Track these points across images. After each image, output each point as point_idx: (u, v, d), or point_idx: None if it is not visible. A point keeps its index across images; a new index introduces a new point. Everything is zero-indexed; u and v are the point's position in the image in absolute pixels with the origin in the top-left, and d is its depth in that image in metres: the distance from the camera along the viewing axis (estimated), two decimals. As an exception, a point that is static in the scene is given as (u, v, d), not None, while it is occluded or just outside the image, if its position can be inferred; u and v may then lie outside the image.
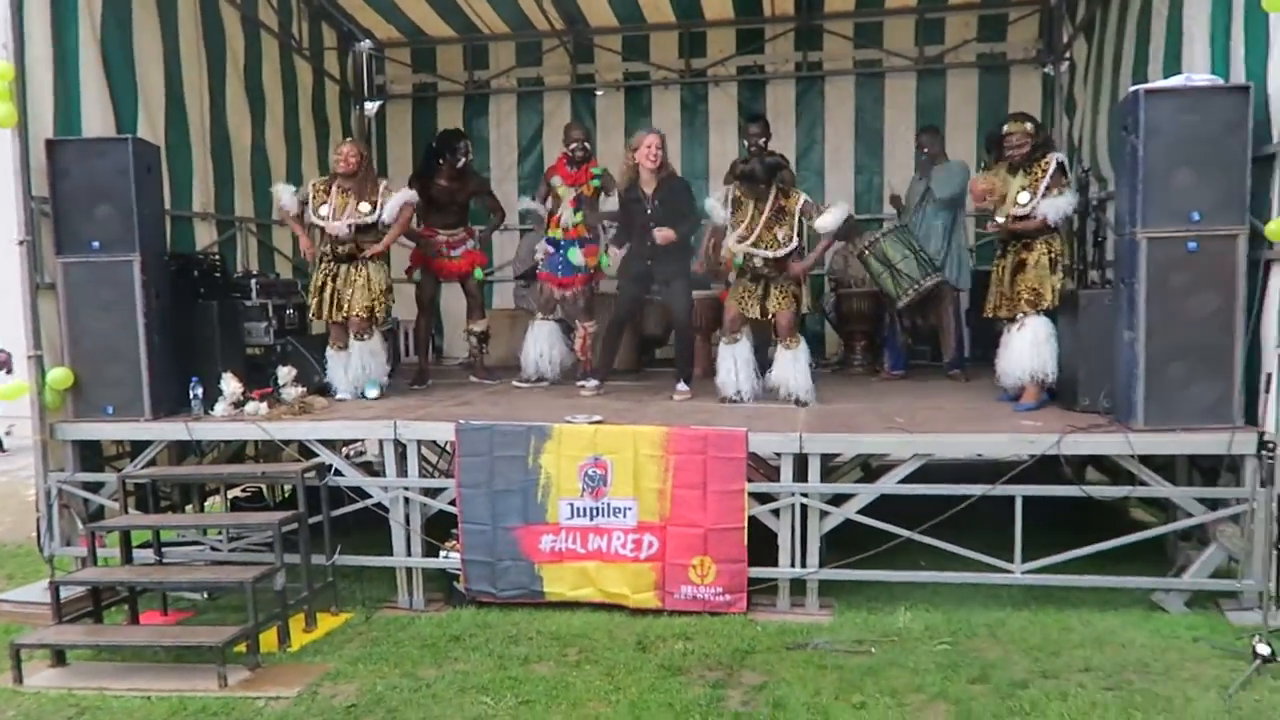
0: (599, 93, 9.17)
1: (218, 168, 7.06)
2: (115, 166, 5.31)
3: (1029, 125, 5.52)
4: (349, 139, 6.88)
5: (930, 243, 6.70)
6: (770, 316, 5.81)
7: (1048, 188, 5.37)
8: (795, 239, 5.70)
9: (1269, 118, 4.43)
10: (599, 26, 8.81)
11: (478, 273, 7.13)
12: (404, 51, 9.35)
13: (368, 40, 9.24)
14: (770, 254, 5.68)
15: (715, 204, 5.94)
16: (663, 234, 5.97)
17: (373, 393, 6.14)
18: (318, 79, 8.55)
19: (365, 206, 6.05)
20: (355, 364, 6.15)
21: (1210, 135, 4.44)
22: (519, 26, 8.77)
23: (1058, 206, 5.35)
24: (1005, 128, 5.58)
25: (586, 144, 6.83)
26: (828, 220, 5.65)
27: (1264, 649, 3.90)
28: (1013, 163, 5.54)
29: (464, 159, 6.93)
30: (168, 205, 6.10)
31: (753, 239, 5.69)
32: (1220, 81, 4.64)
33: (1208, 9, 5.02)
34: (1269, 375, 4.37)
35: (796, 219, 5.70)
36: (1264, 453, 4.23)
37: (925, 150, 7.06)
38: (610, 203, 6.82)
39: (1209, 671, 3.95)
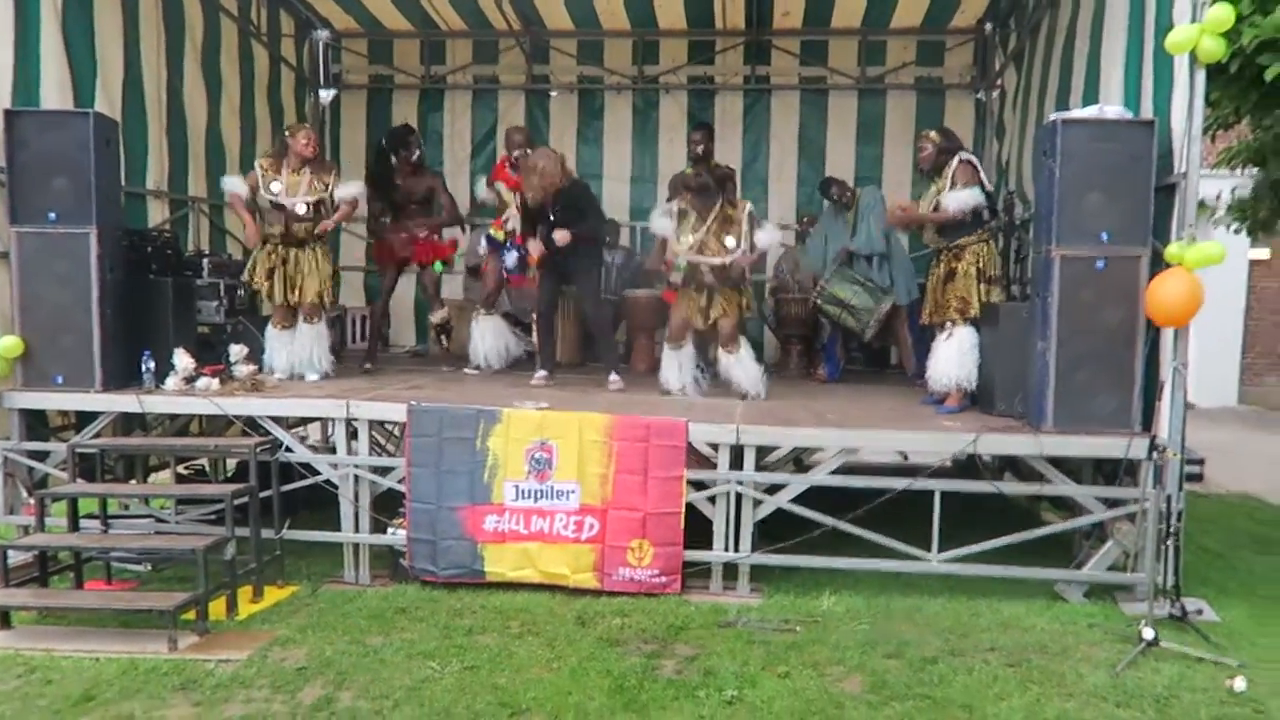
0: (553, 94, 9.38)
1: (173, 147, 7.11)
2: (75, 139, 5.36)
3: (933, 134, 5.92)
4: (305, 124, 6.97)
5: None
6: (712, 323, 6.11)
7: (952, 182, 5.73)
8: (741, 245, 5.99)
9: (1172, 151, 4.84)
10: (555, 29, 9.04)
11: (437, 265, 7.28)
12: (361, 43, 9.45)
13: (325, 29, 9.31)
14: (719, 260, 5.95)
15: (661, 219, 6.18)
16: (560, 235, 6.26)
17: (312, 377, 6.25)
18: (274, 65, 8.61)
19: (319, 185, 6.17)
20: (301, 347, 6.26)
21: (1119, 164, 4.82)
22: (477, 25, 8.94)
23: (960, 199, 5.66)
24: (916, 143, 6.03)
25: (527, 149, 6.98)
26: (762, 237, 6.04)
27: (1149, 633, 4.28)
28: (925, 172, 5.96)
29: (417, 152, 7.08)
30: (123, 181, 6.14)
31: (700, 247, 5.97)
32: (1129, 115, 5.05)
33: (1123, 47, 5.43)
34: (1162, 385, 4.77)
35: (744, 226, 6.00)
36: (1155, 456, 4.62)
37: (837, 198, 7.39)
38: None
39: (1100, 653, 4.32)
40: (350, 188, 6.34)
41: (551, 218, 6.33)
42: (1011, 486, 5.53)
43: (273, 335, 6.31)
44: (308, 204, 6.12)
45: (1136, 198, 4.84)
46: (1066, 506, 5.72)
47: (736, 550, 5.10)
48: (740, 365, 6.07)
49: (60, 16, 5.86)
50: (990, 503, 5.28)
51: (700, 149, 7.33)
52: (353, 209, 6.45)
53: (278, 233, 6.18)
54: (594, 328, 6.75)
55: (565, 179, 6.36)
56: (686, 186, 6.11)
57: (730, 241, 5.96)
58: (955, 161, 5.79)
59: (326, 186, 6.21)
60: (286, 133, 6.36)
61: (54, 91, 5.80)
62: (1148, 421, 4.92)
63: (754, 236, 6.00)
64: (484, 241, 7.13)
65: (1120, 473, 4.97)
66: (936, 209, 5.78)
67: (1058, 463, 5.10)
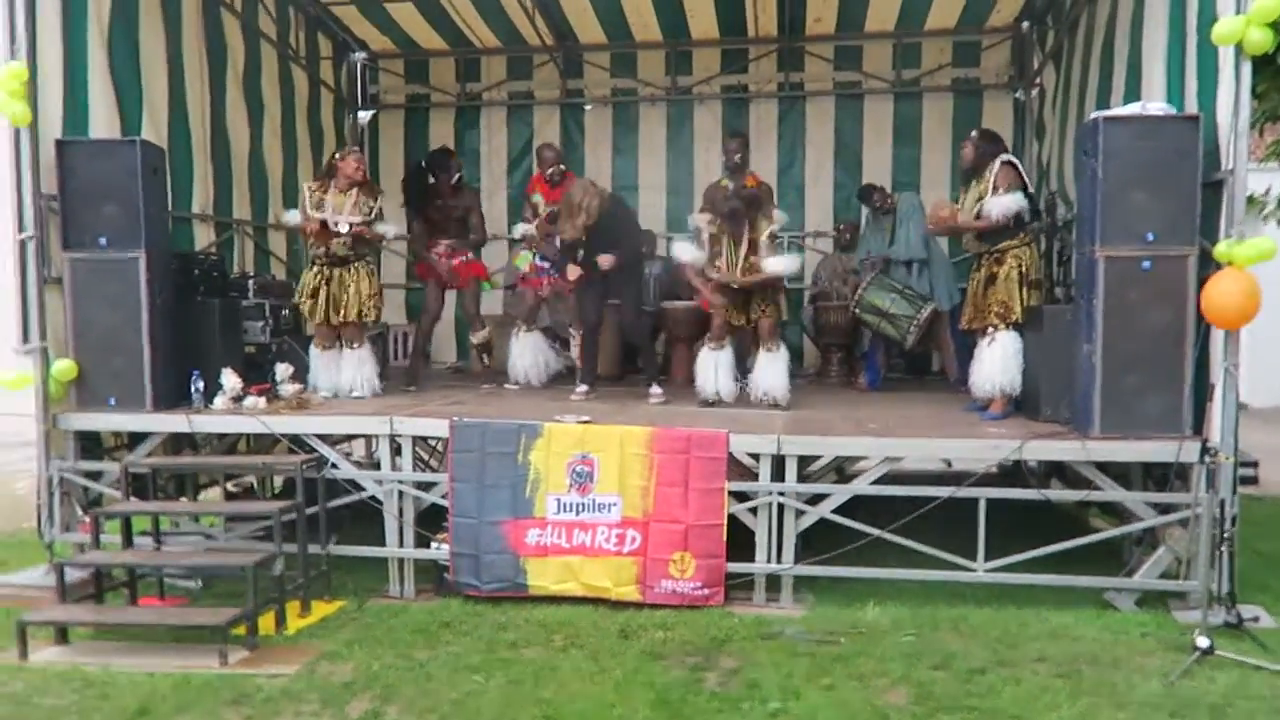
0: (587, 107, 9.46)
1: (217, 171, 7.27)
2: (123, 167, 5.50)
3: (974, 135, 5.90)
4: (354, 149, 7.15)
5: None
6: (752, 323, 6.11)
7: (995, 187, 5.66)
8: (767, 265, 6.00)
9: (1218, 147, 4.75)
10: (589, 43, 9.10)
11: (485, 285, 7.37)
12: (398, 63, 9.60)
13: (362, 51, 9.47)
14: (756, 279, 5.98)
15: (689, 246, 6.24)
16: (605, 260, 6.33)
17: (358, 394, 6.36)
18: (313, 87, 8.77)
19: (365, 208, 6.30)
20: (346, 374, 6.39)
21: (1164, 161, 4.74)
22: (511, 41, 9.04)
23: (1002, 204, 5.60)
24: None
25: (560, 165, 7.09)
26: (776, 265, 6.01)
27: (1203, 642, 4.17)
28: (967, 175, 5.90)
29: (458, 175, 7.19)
30: (170, 206, 6.29)
31: (736, 270, 6.01)
32: (1173, 111, 4.95)
33: (1164, 42, 5.34)
34: (1213, 387, 4.67)
35: (760, 250, 6.02)
36: (1207, 459, 4.52)
37: (878, 205, 7.37)
38: None
39: (1153, 663, 4.23)
40: (388, 227, 6.52)
41: (591, 242, 6.38)
42: (1059, 494, 5.44)
43: (315, 355, 6.43)
44: (351, 224, 6.23)
45: (1182, 195, 4.75)
46: (1116, 513, 5.62)
47: (779, 561, 5.07)
48: (775, 365, 6.05)
49: (107, 47, 6.03)
50: (1037, 509, 5.20)
51: (738, 157, 7.33)
52: (377, 239, 6.56)
53: (322, 252, 6.31)
54: (636, 339, 6.78)
55: (603, 205, 6.40)
56: (718, 213, 6.10)
57: (763, 261, 6.00)
58: (997, 164, 5.72)
59: (371, 210, 6.34)
60: (337, 156, 6.51)
61: (102, 120, 5.96)
62: (1199, 424, 4.81)
63: (766, 260, 6.00)
64: (529, 256, 7.22)
65: (1171, 477, 4.87)
66: (978, 214, 5.72)
67: (1106, 468, 5.01)
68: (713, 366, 6.14)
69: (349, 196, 6.30)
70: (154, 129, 6.41)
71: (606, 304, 6.80)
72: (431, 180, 7.09)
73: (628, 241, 6.47)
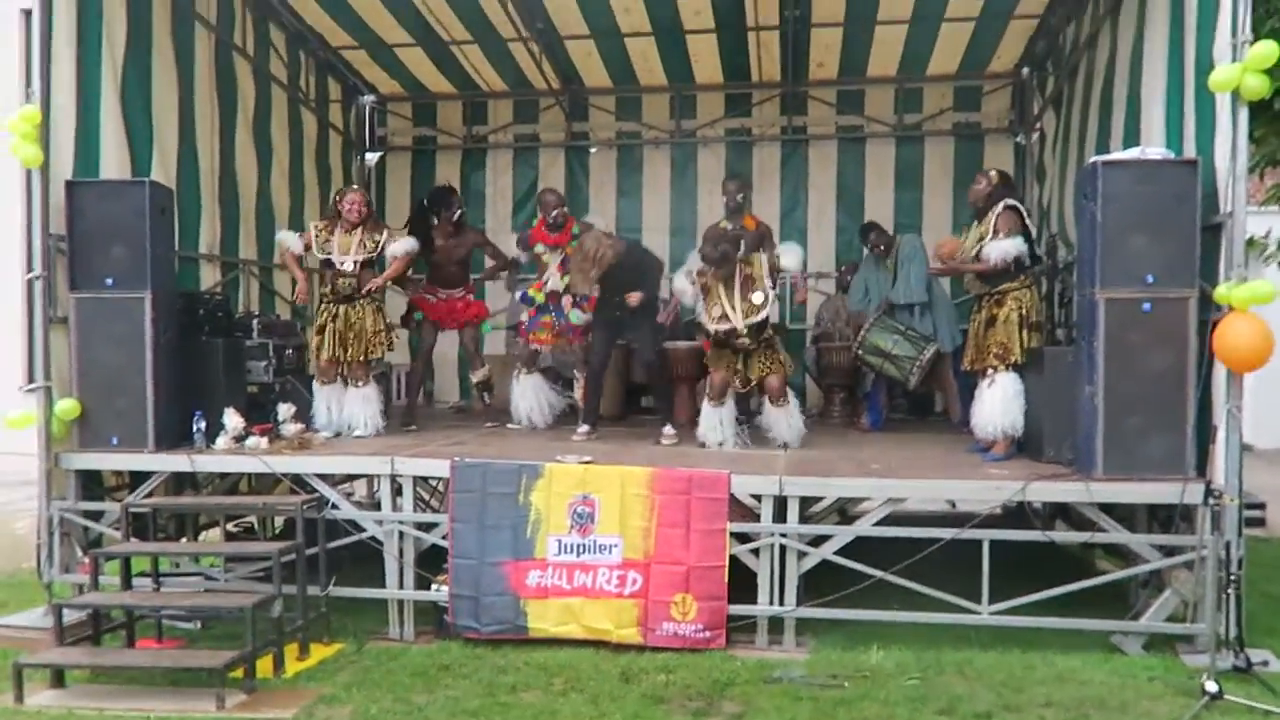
0: (593, 150, 9.54)
1: (224, 211, 7.33)
2: (132, 208, 5.55)
3: (993, 174, 5.92)
4: (354, 187, 7.20)
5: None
6: (754, 384, 6.10)
7: (995, 230, 5.69)
8: (767, 296, 5.96)
9: (1217, 190, 4.78)
10: (594, 87, 9.21)
11: (485, 326, 7.39)
12: (405, 105, 9.71)
13: (371, 94, 9.60)
14: (754, 320, 5.93)
15: (684, 283, 6.20)
16: (633, 298, 6.41)
17: (361, 433, 6.36)
18: (322, 129, 8.87)
19: (370, 244, 6.36)
20: (350, 411, 6.39)
21: (1163, 204, 4.77)
22: (517, 85, 9.16)
23: (1001, 249, 5.62)
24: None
25: (563, 209, 7.09)
26: (791, 261, 6.10)
27: (1212, 686, 4.12)
28: (973, 206, 5.94)
29: (459, 212, 7.20)
30: (177, 246, 6.34)
31: (733, 315, 5.93)
32: (1172, 155, 4.99)
33: (1163, 87, 5.39)
34: (1216, 428, 4.66)
35: (765, 278, 6.00)
36: (1211, 501, 4.49)
37: (876, 247, 7.41)
38: None
39: (1162, 708, 4.17)
40: (402, 244, 6.52)
41: (609, 287, 6.44)
42: (1063, 535, 5.41)
43: (317, 390, 6.44)
44: (356, 262, 6.28)
45: (1182, 239, 4.77)
46: (1122, 555, 5.57)
47: (781, 604, 5.03)
48: (788, 419, 6.05)
49: (120, 89, 6.11)
50: (1042, 551, 5.15)
51: (739, 197, 7.37)
52: (405, 264, 6.60)
53: (330, 290, 6.35)
54: (652, 379, 6.78)
55: (619, 254, 6.45)
56: (707, 259, 6.04)
57: (758, 297, 5.94)
58: (1000, 207, 5.75)
59: (378, 245, 6.40)
60: (336, 196, 6.56)
61: (113, 161, 6.02)
62: (1202, 465, 4.79)
63: (783, 265, 6.08)
64: (519, 301, 7.23)
65: (1176, 519, 4.83)
66: (977, 255, 5.74)
67: (1110, 509, 4.98)
68: (717, 422, 6.12)
69: (354, 236, 6.36)
70: (163, 169, 6.48)
71: (616, 346, 6.83)
72: (434, 220, 7.12)
73: (648, 285, 6.52)
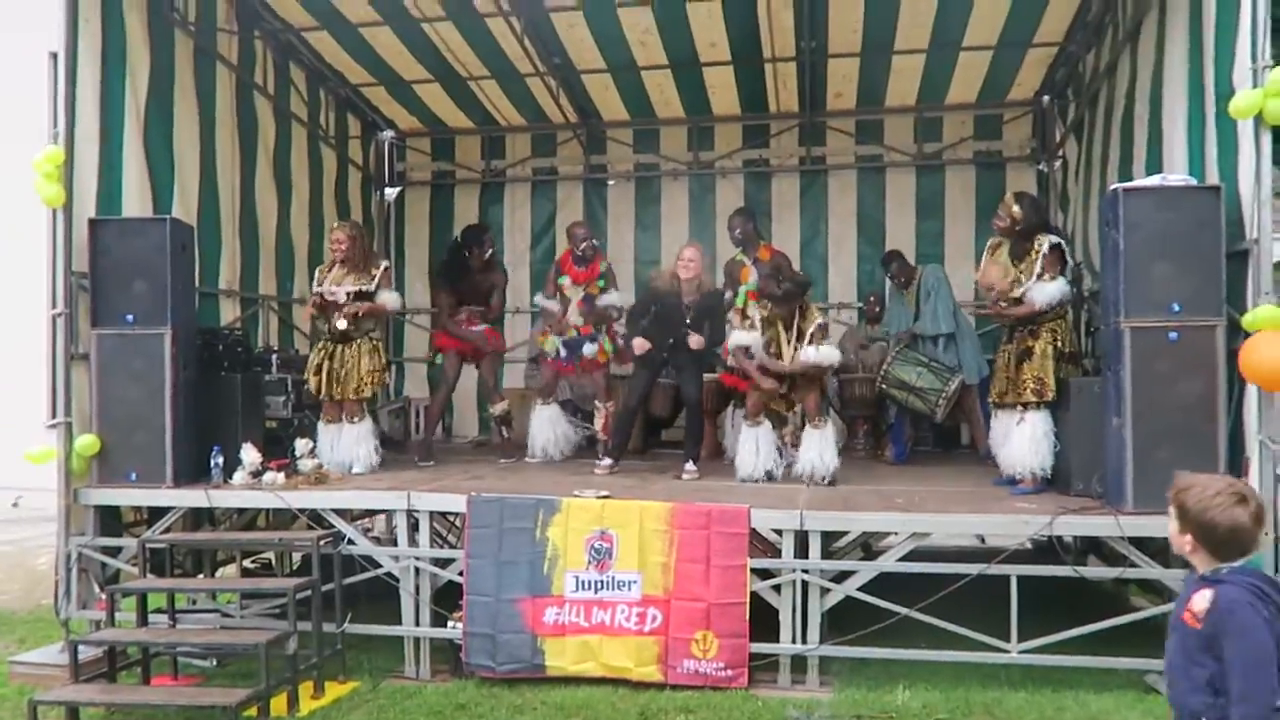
0: (610, 183, 9.56)
1: (244, 247, 7.40)
2: (153, 245, 5.60)
3: (1015, 209, 5.58)
4: (340, 223, 7.07)
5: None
6: (793, 409, 6.08)
7: (1040, 272, 5.51)
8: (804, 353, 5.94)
9: (1241, 216, 4.69)
10: (611, 120, 9.25)
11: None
12: (424, 141, 9.79)
13: (390, 130, 9.69)
14: (803, 367, 5.93)
15: (743, 332, 6.13)
16: (695, 340, 6.31)
17: (358, 470, 6.33)
18: (341, 165, 8.96)
19: (364, 279, 6.39)
20: (345, 448, 6.38)
21: (1186, 231, 4.69)
22: (535, 119, 9.21)
23: (1047, 292, 5.46)
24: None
25: (594, 241, 7.13)
26: (821, 355, 5.91)
27: (1252, 728, 3.97)
28: (1011, 246, 5.69)
29: (490, 250, 7.30)
30: (197, 282, 6.38)
31: (787, 350, 5.95)
32: (1194, 181, 4.92)
33: (1184, 112, 5.33)
34: (1247, 460, 4.54)
35: (809, 337, 5.95)
36: (1246, 535, 4.35)
37: (897, 278, 7.33)
38: (608, 296, 7.16)
39: (1200, 751, 4.02)
40: (388, 297, 6.51)
41: (687, 319, 6.36)
42: (1093, 571, 5.27)
43: (320, 430, 6.44)
44: (348, 294, 6.32)
45: (1207, 266, 4.68)
46: (1156, 590, 5.42)
47: (804, 641, 4.92)
48: (824, 442, 5.94)
49: (143, 128, 6.19)
50: (1073, 587, 5.02)
51: (738, 233, 7.31)
52: (379, 311, 6.56)
53: (326, 329, 6.42)
54: (692, 415, 6.63)
55: (707, 292, 6.45)
56: (770, 296, 6.02)
57: (827, 354, 5.96)
58: (1046, 246, 5.51)
59: (373, 278, 6.40)
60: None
61: (135, 198, 6.09)
62: (1236, 499, 4.65)
63: (806, 349, 5.92)
64: (556, 342, 7.20)
65: (1210, 554, 4.68)
66: (1021, 297, 5.57)
67: (1141, 544, 4.85)
68: (754, 443, 6.04)
69: (344, 271, 6.41)
70: (184, 206, 6.55)
71: (658, 379, 6.76)
72: (466, 255, 7.17)
73: (717, 330, 6.45)
